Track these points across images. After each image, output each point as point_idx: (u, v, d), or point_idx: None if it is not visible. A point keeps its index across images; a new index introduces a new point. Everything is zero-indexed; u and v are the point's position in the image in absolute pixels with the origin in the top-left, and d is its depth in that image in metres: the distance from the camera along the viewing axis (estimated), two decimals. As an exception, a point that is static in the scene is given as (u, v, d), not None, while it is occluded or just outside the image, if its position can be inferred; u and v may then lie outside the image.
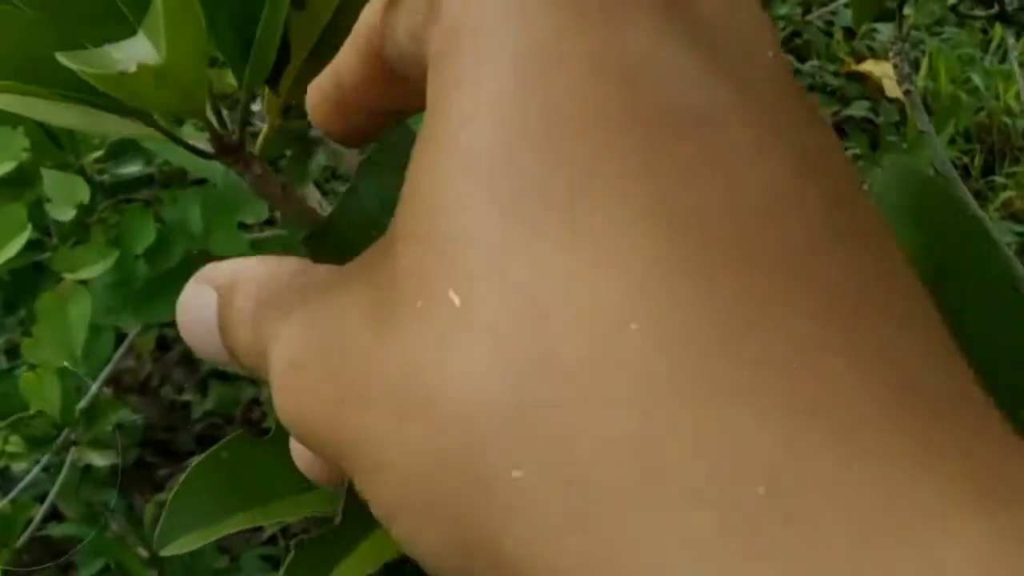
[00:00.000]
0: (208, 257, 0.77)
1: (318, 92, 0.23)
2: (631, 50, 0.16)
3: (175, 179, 0.81)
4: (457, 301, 0.15)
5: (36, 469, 0.86)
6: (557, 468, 0.14)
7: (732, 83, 0.17)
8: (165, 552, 0.30)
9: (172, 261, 0.76)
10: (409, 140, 0.19)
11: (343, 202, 0.27)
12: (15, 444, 0.74)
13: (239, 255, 0.85)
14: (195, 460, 0.31)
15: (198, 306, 0.21)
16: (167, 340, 1.37)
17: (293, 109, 0.30)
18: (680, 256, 0.15)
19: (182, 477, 0.31)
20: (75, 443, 0.81)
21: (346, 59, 0.21)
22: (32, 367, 0.73)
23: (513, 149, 0.16)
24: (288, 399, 0.18)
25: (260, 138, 0.30)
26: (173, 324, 0.21)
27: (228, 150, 0.29)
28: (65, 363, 0.70)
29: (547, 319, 0.15)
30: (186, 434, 1.42)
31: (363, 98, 0.22)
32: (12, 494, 0.87)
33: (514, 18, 0.16)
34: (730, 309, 0.14)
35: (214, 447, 0.31)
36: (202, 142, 0.29)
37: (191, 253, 0.77)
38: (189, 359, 1.38)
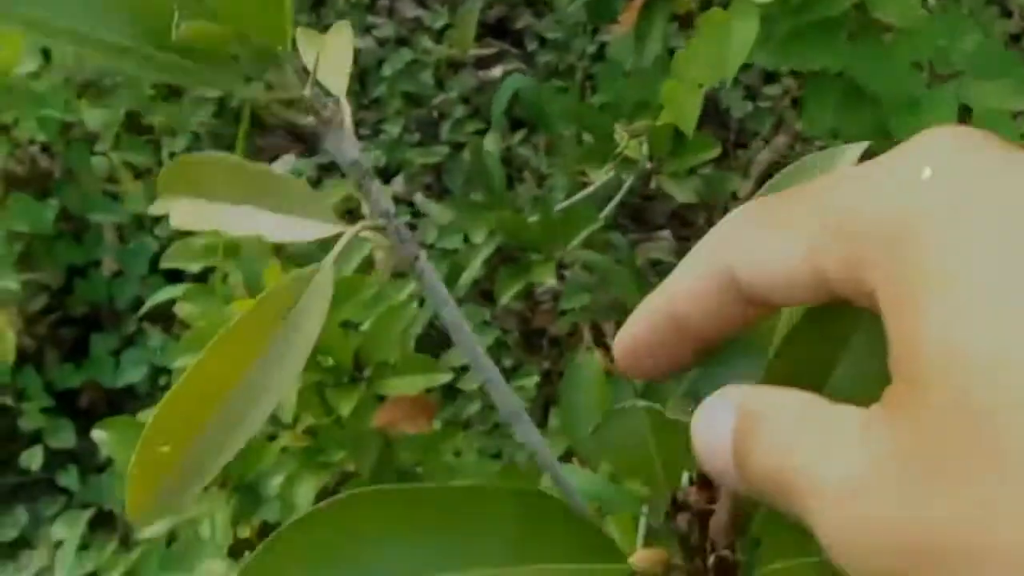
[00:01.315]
0: (863, 18, 0.73)
1: (642, 327, 0.24)
2: None
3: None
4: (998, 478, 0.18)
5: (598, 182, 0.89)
6: None
7: None
8: None
9: (832, 9, 0.73)
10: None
11: None
12: (633, 149, 0.75)
13: (910, 22, 0.79)
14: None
15: (716, 425, 0.22)
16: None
17: None
18: None
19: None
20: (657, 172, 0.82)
21: (685, 284, 0.23)
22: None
23: None
24: (844, 519, 0.20)
25: None
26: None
27: None
28: (712, 83, 0.69)
29: None
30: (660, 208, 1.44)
31: (704, 321, 0.23)
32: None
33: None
34: None
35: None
36: None
37: (853, 5, 0.73)
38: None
